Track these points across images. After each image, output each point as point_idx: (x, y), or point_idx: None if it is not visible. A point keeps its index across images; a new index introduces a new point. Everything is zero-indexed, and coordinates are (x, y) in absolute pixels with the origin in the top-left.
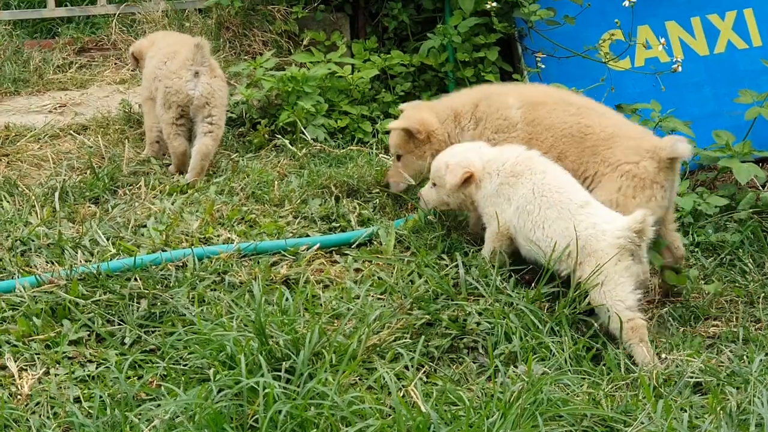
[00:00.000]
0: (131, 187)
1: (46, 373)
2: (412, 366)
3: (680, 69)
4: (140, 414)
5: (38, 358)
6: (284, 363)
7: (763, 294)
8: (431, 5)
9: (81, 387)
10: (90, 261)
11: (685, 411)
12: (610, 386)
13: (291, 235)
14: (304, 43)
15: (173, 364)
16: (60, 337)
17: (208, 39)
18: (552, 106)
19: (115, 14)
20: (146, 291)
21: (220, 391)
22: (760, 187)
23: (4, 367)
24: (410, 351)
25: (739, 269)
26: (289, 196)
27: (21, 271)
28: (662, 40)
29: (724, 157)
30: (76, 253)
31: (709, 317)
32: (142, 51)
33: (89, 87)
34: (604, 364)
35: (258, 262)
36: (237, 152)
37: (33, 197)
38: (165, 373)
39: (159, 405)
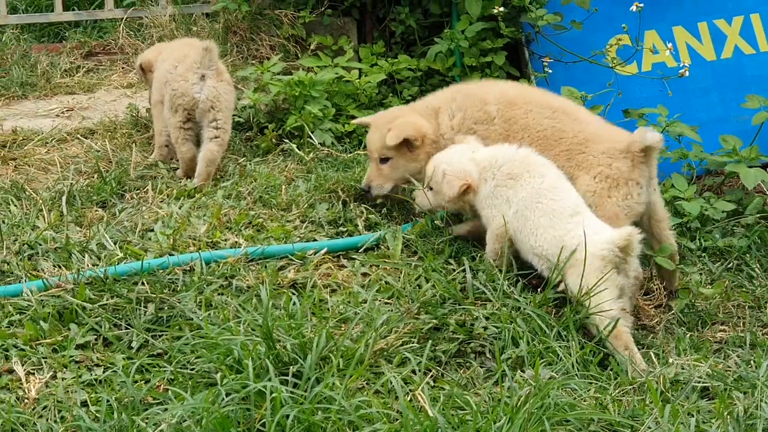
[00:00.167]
0: (138, 191)
1: (53, 377)
2: (420, 370)
3: (687, 74)
4: (147, 418)
5: (45, 362)
6: (291, 367)
7: None
8: (438, 10)
9: (88, 391)
10: (97, 265)
11: (693, 416)
12: (617, 391)
13: (298, 239)
14: (312, 47)
15: (180, 368)
16: (67, 341)
17: (215, 43)
18: (528, 107)
19: (122, 18)
20: (153, 295)
21: (227, 395)
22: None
23: (11, 371)
24: (417, 355)
25: (746, 274)
26: (297, 200)
27: (28, 275)
28: (669, 45)
29: (731, 162)
30: (84, 257)
31: (716, 322)
32: (150, 62)
33: (96, 91)
34: (611, 369)
35: (265, 267)
36: (244, 156)
37: (40, 201)
38: (172, 377)
39: (166, 409)
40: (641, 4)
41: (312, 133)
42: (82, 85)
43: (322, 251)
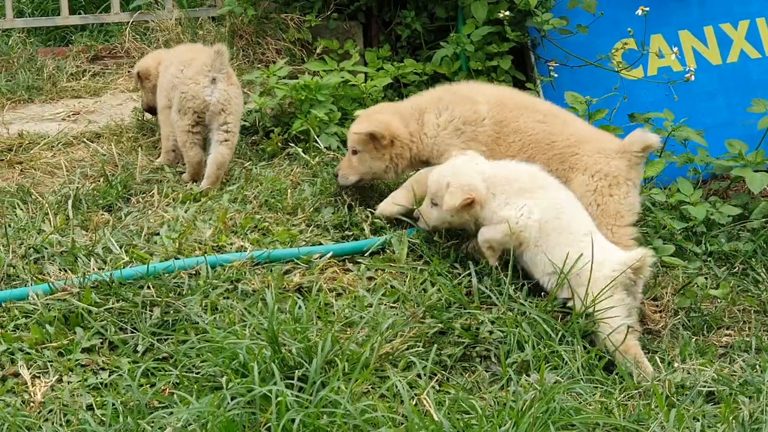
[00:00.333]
0: (144, 195)
1: (59, 380)
2: (425, 374)
3: (693, 78)
4: (153, 422)
5: (51, 365)
6: (297, 371)
7: None
8: (444, 14)
9: (94, 394)
10: (103, 269)
11: (698, 420)
12: (622, 395)
13: (304, 243)
14: (318, 51)
15: (186, 372)
16: (73, 345)
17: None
18: (519, 111)
19: (128, 22)
20: (159, 299)
21: (232, 399)
22: None
23: (17, 375)
24: (423, 359)
25: (751, 278)
26: (302, 204)
27: (34, 278)
28: (675, 50)
29: (737, 166)
30: (89, 260)
31: (721, 326)
32: (148, 70)
33: (102, 95)
34: (616, 373)
35: (271, 271)
36: (250, 160)
37: (46, 205)
38: (177, 381)
39: (171, 413)
40: (647, 9)
41: (318, 137)
42: (89, 88)
43: (328, 255)
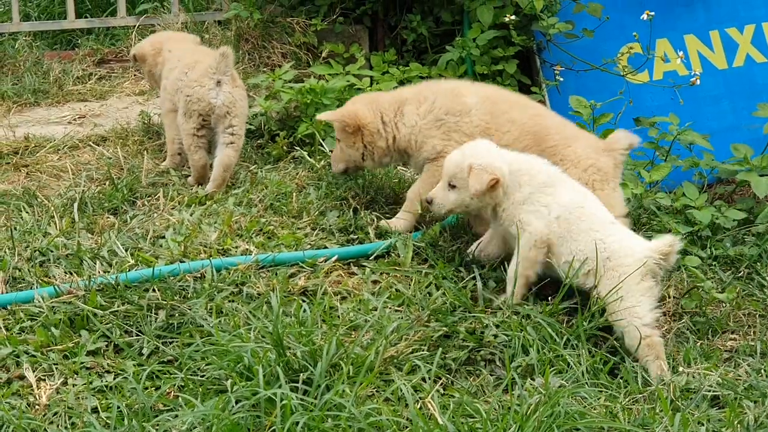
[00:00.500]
0: (150, 198)
1: (64, 383)
2: (430, 378)
3: (698, 82)
4: (158, 425)
5: (56, 368)
6: (302, 374)
7: None
8: (450, 18)
9: (99, 397)
10: (108, 272)
11: (703, 424)
12: (627, 399)
13: (309, 246)
14: (323, 55)
15: (191, 375)
16: (78, 348)
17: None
18: (509, 104)
19: (134, 26)
20: (164, 302)
21: (237, 402)
22: None
23: (22, 377)
24: (427, 363)
25: (757, 283)
26: (307, 207)
27: (40, 281)
28: (681, 54)
29: (742, 170)
30: (95, 263)
31: (726, 331)
32: (144, 55)
33: (108, 98)
34: (621, 377)
35: (276, 274)
36: (255, 164)
37: (52, 208)
38: (182, 384)
39: (176, 416)
40: (652, 13)
41: (323, 140)
42: (94, 92)
43: (333, 259)
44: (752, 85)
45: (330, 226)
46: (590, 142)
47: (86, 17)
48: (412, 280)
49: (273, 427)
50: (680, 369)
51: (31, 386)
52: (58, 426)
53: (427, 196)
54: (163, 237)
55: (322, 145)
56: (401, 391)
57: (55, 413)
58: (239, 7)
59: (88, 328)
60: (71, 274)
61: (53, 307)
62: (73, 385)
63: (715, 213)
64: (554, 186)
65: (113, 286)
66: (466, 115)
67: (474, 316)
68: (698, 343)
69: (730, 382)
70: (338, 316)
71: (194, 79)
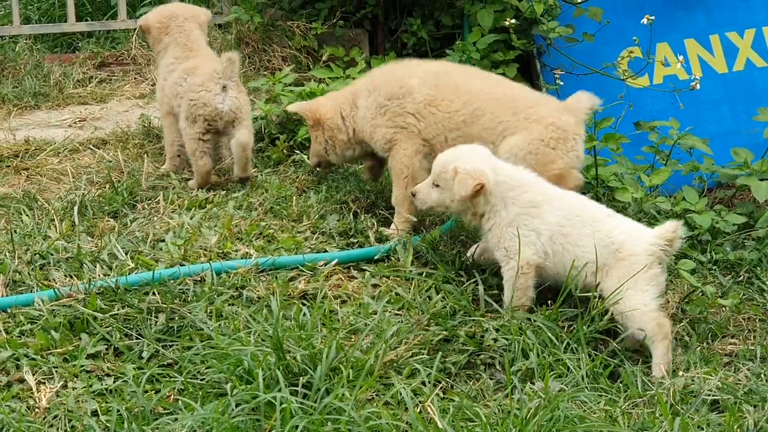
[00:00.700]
0: (150, 202)
1: (64, 386)
2: (429, 382)
3: (699, 86)
4: (157, 428)
5: (56, 371)
6: (301, 378)
7: None
8: (450, 21)
9: (98, 401)
10: (108, 275)
11: (702, 429)
12: (627, 403)
13: (309, 250)
14: (323, 58)
15: (191, 378)
16: (78, 351)
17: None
18: (468, 74)
19: (135, 29)
20: (164, 305)
21: (237, 405)
22: None
23: (22, 381)
24: (427, 367)
25: (757, 287)
26: (308, 211)
27: (40, 284)
28: (681, 58)
29: (742, 174)
30: (95, 267)
31: (726, 335)
32: (149, 28)
33: (109, 101)
34: (621, 382)
35: (276, 277)
36: (255, 167)
37: (52, 211)
38: (182, 388)
39: (176, 419)
40: (652, 17)
41: None
42: (95, 95)
43: (333, 262)
44: (752, 90)
45: (330, 229)
46: (553, 104)
47: (87, 20)
48: (412, 283)
49: (272, 431)
50: (680, 373)
51: (31, 389)
52: (57, 429)
53: (413, 189)
54: (163, 240)
55: None
56: (401, 394)
57: (55, 416)
58: (240, 10)
59: (88, 331)
60: (71, 277)
61: (53, 310)
62: (73, 389)
63: (715, 217)
64: (541, 206)
65: (113, 290)
66: (409, 95)
67: (474, 319)
68: (698, 348)
69: (730, 386)
70: (338, 320)
71: (199, 84)
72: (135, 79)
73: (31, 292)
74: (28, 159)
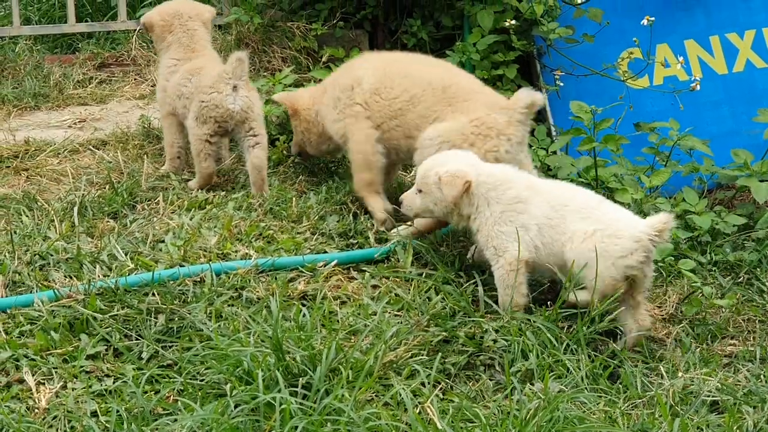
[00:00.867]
0: (150, 203)
1: (64, 387)
2: (429, 383)
3: (699, 87)
4: (157, 428)
5: (56, 372)
6: (301, 379)
7: None
8: (450, 22)
9: (98, 401)
10: (108, 276)
11: (702, 430)
12: (626, 404)
13: (308, 251)
14: (324, 59)
15: (190, 379)
16: (77, 352)
17: (227, 55)
18: (412, 63)
19: (135, 30)
20: (164, 306)
21: (236, 406)
22: None
23: (21, 381)
24: (427, 368)
25: (756, 288)
26: (307, 212)
27: (39, 285)
28: (681, 59)
29: (742, 176)
30: (95, 267)
31: (726, 336)
32: (152, 26)
33: (109, 102)
34: (620, 383)
35: (275, 278)
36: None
37: (52, 212)
38: (182, 388)
39: (176, 420)
40: (652, 18)
41: None
42: (95, 96)
43: (333, 263)
44: (752, 91)
45: (330, 230)
46: (490, 99)
47: (87, 21)
48: (411, 284)
49: None
50: (679, 374)
51: (31, 390)
52: (57, 430)
53: (400, 197)
54: (163, 241)
55: None
56: (400, 395)
57: (55, 417)
58: (240, 11)
59: (87, 332)
60: (71, 278)
61: (53, 311)
62: (73, 389)
63: (715, 218)
64: (527, 201)
65: (113, 290)
66: (357, 86)
67: (474, 320)
68: (698, 349)
69: (730, 387)
70: (338, 321)
71: (209, 85)
72: (135, 80)
73: (30, 292)
74: (28, 160)
